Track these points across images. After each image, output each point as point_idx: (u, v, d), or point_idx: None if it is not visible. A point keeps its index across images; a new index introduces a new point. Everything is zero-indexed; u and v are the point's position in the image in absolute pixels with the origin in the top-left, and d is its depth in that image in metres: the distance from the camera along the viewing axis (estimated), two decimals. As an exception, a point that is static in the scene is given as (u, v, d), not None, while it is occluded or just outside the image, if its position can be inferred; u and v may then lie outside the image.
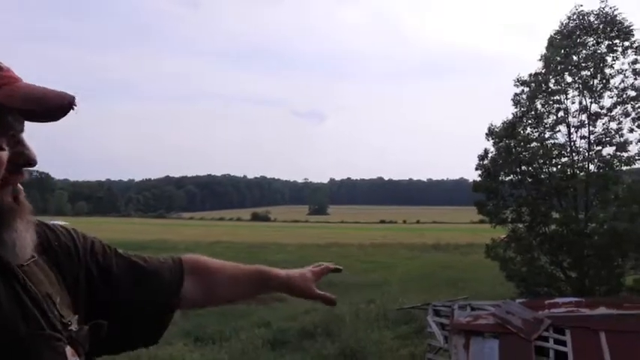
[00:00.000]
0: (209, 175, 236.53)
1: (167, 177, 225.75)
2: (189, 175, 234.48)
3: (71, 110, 0.98)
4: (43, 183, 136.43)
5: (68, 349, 1.04)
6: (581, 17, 18.08)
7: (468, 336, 9.07)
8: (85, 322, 1.13)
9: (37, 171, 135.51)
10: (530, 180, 18.19)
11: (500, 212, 18.36)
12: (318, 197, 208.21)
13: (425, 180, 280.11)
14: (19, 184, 1.01)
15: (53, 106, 0.97)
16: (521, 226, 18.27)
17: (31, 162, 1.01)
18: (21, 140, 1.00)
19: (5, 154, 0.95)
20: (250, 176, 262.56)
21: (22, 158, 1.00)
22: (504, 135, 18.24)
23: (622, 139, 17.22)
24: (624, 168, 17.41)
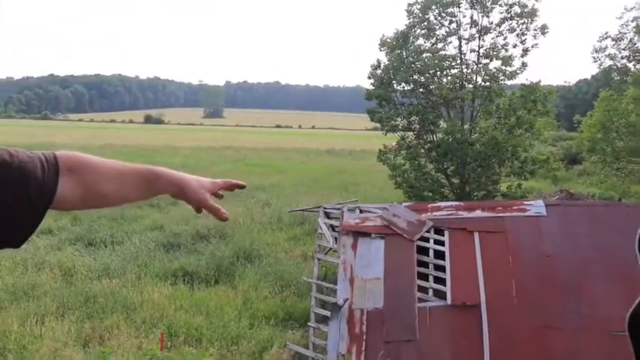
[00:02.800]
0: (98, 75, 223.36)
1: (51, 75, 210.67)
2: (75, 74, 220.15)
3: None
4: None
5: None
6: None
7: (356, 237, 9.59)
8: None
9: None
10: (421, 90, 18.79)
11: (391, 120, 18.94)
12: (213, 100, 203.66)
13: (322, 86, 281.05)
14: None
15: None
16: (410, 134, 19.02)
17: None
18: None
19: None
20: (143, 77, 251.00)
21: None
22: (396, 45, 18.54)
23: (507, 54, 18.07)
24: (508, 82, 18.38)
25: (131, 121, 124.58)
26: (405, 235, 9.45)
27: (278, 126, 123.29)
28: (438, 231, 9.62)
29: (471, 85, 18.35)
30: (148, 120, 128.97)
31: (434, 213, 10.05)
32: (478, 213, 9.89)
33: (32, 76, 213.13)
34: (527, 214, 9.71)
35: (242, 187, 1.65)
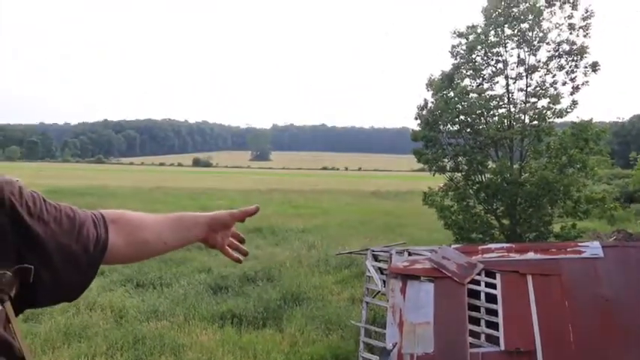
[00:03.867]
0: (149, 120, 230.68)
1: (105, 121, 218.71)
2: (128, 119, 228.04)
3: None
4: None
5: None
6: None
7: (404, 280, 9.43)
8: (10, 268, 1.10)
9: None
10: (468, 130, 18.64)
11: (438, 161, 18.80)
12: (260, 143, 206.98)
13: (368, 128, 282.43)
14: None
15: None
16: (458, 174, 18.81)
17: None
18: None
19: None
20: (192, 121, 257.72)
21: None
22: (443, 86, 18.53)
23: (555, 92, 17.81)
24: (557, 120, 18.06)
25: (180, 164, 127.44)
26: (455, 278, 9.25)
27: (324, 168, 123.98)
28: (489, 274, 9.38)
29: (519, 125, 18.10)
30: (197, 163, 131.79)
31: (484, 255, 9.83)
32: (531, 255, 9.61)
33: (87, 121, 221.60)
34: (582, 255, 9.37)
35: (254, 212, 1.73)
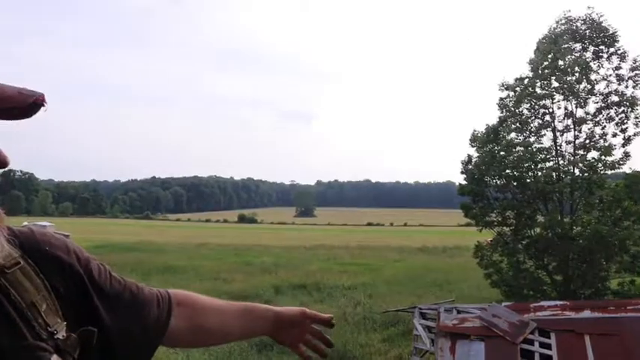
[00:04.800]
0: (195, 177, 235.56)
1: (153, 178, 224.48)
2: (175, 176, 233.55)
3: (40, 108, 0.96)
4: (27, 183, 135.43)
5: (54, 358, 1.01)
6: (569, 23, 18.26)
7: (454, 339, 9.11)
8: (75, 331, 1.09)
9: (21, 171, 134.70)
10: (515, 184, 18.31)
11: (486, 215, 18.46)
12: (305, 199, 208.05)
13: (412, 183, 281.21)
14: None
15: (14, 104, 0.94)
16: (506, 229, 18.38)
17: (1, 164, 0.96)
18: None
19: None
20: (237, 178, 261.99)
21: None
22: (487, 140, 18.37)
23: (606, 144, 17.41)
24: (609, 172, 17.58)
25: (225, 221, 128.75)
26: (507, 337, 8.88)
27: (369, 224, 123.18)
28: (543, 333, 8.97)
29: (568, 177, 17.68)
30: (242, 219, 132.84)
31: (537, 313, 9.43)
32: (587, 313, 9.17)
33: (136, 178, 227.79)
34: (644, 314, 8.90)
35: (327, 321, 1.65)
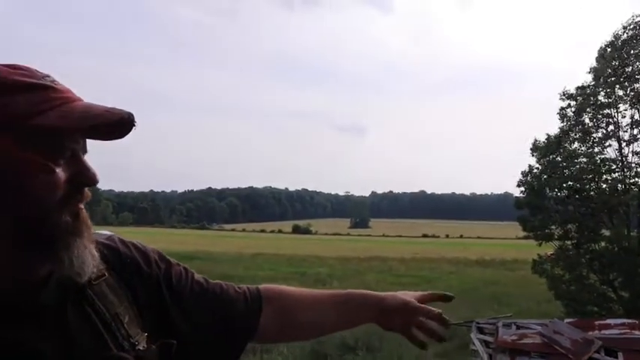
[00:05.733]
0: (251, 188, 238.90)
1: (209, 189, 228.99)
2: (230, 186, 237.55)
3: (132, 127, 1.00)
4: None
5: None
6: (637, 27, 17.52)
7: (513, 355, 8.81)
8: (154, 342, 1.13)
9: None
10: (577, 196, 17.69)
11: (545, 228, 17.90)
12: (359, 210, 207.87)
13: (468, 194, 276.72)
14: (80, 204, 1.01)
15: (111, 125, 0.97)
16: (568, 243, 17.76)
17: (91, 182, 1.01)
18: (80, 160, 1.00)
19: (60, 176, 0.95)
20: (292, 189, 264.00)
21: (82, 178, 1.00)
22: (549, 150, 17.83)
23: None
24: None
25: (280, 231, 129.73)
26: (570, 356, 8.51)
27: (424, 235, 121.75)
28: (610, 352, 8.55)
29: (635, 189, 16.95)
30: (296, 230, 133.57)
31: (602, 331, 9.01)
32: (658, 333, 8.70)
33: (193, 189, 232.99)
34: None
35: (449, 298, 1.66)
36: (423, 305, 1.53)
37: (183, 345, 1.17)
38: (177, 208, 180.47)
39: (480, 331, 10.14)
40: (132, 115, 0.97)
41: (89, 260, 1.01)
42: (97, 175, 1.01)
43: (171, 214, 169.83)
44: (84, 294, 1.05)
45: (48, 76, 1.00)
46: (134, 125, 0.98)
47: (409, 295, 1.53)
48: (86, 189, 1.03)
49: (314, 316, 1.44)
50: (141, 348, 1.08)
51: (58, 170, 0.96)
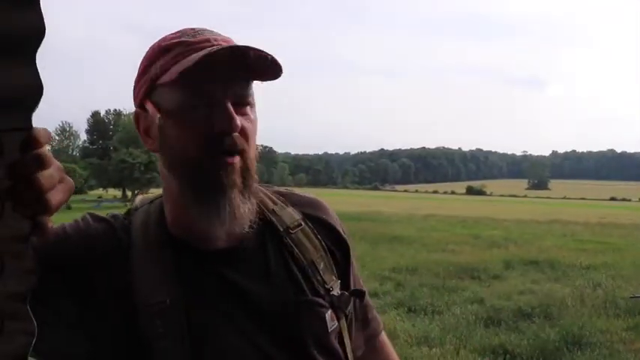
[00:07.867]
0: (423, 148, 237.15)
1: (381, 150, 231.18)
2: (403, 148, 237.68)
3: (265, 61, 0.96)
4: (267, 157, 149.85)
5: (328, 314, 1.11)
6: None
7: None
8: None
9: (262, 145, 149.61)
10: None
11: None
12: (538, 171, 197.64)
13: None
14: (227, 157, 0.99)
15: (225, 62, 0.96)
16: None
17: (220, 129, 0.98)
18: (217, 108, 0.98)
19: (196, 121, 0.98)
20: (465, 149, 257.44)
21: (218, 125, 0.98)
22: None
23: None
24: None
25: (453, 192, 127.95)
26: None
27: (613, 198, 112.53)
28: None
29: None
30: (470, 191, 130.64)
31: None
32: None
33: (365, 150, 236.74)
34: None
35: None
36: None
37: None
38: (350, 170, 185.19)
39: (678, 305, 9.16)
40: (243, 47, 0.95)
41: (247, 213, 1.04)
42: (232, 122, 0.97)
43: (344, 176, 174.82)
44: (282, 241, 1.12)
45: (200, 32, 1.02)
46: (263, 56, 0.95)
47: None
48: (249, 149, 1.02)
49: None
50: (335, 294, 1.14)
51: (193, 116, 0.97)
